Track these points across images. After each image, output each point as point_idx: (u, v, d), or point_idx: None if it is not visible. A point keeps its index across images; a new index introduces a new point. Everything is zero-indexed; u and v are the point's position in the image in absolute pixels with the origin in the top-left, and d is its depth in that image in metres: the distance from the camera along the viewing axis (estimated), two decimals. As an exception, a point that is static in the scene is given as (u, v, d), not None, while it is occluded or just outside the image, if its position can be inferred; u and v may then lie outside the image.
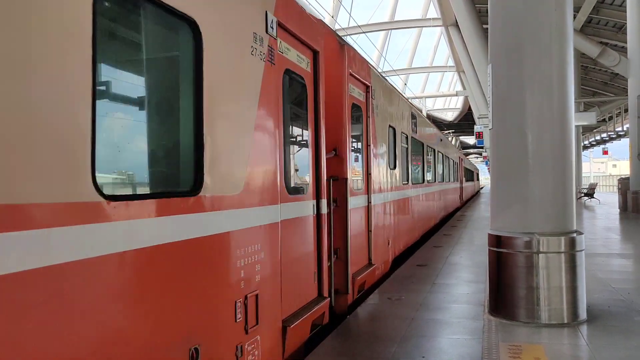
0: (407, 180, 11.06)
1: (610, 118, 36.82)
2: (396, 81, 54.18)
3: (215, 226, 3.36)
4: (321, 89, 5.48)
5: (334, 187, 6.16)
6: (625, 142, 30.25)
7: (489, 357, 4.58)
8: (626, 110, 27.93)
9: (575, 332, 5.33)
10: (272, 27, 4.27)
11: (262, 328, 3.99)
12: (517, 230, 5.77)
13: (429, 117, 56.07)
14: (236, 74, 3.70)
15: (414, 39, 63.06)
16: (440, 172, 18.41)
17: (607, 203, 29.74)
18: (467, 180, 37.20)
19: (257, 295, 3.87)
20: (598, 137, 45.32)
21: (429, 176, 15.03)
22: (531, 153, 5.76)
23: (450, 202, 22.08)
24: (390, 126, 9.30)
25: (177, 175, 3.42)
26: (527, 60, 5.78)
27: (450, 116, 75.64)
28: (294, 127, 5.20)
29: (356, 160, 7.37)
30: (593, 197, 31.08)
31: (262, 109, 4.03)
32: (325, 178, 5.59)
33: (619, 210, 23.91)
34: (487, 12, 7.18)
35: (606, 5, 27.08)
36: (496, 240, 5.93)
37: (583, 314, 5.67)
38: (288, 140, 4.87)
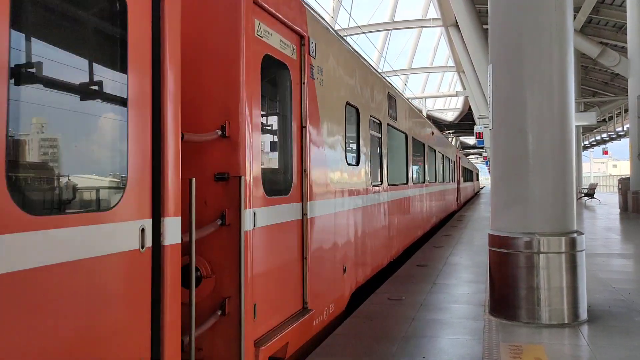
0: (380, 181, 8.62)
1: (611, 118, 36.90)
2: (396, 81, 54.31)
3: None
4: (169, 11, 3.15)
5: (216, 191, 3.98)
6: (625, 142, 30.31)
7: (489, 357, 4.58)
8: (626, 110, 27.99)
9: (576, 332, 5.33)
10: None
11: None
12: (517, 230, 5.77)
13: (429, 117, 56.13)
14: None
15: (414, 40, 63.27)
16: (432, 171, 15.85)
17: (608, 203, 29.76)
18: (465, 181, 35.13)
19: None
20: (598, 137, 45.44)
21: (415, 176, 12.42)
22: (531, 153, 5.76)
23: (445, 205, 20.08)
24: (349, 104, 6.74)
25: None
26: (527, 60, 5.78)
27: (450, 116, 75.73)
28: (86, 72, 2.81)
29: (276, 147, 4.98)
30: (593, 197, 31.11)
31: None
32: (176, 176, 3.16)
33: (619, 210, 23.93)
34: (487, 12, 7.18)
35: (606, 5, 27.11)
36: (497, 241, 5.93)
37: (584, 314, 5.67)
38: (62, 99, 2.60)
